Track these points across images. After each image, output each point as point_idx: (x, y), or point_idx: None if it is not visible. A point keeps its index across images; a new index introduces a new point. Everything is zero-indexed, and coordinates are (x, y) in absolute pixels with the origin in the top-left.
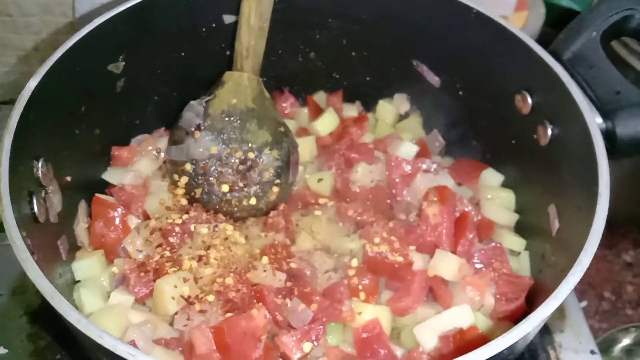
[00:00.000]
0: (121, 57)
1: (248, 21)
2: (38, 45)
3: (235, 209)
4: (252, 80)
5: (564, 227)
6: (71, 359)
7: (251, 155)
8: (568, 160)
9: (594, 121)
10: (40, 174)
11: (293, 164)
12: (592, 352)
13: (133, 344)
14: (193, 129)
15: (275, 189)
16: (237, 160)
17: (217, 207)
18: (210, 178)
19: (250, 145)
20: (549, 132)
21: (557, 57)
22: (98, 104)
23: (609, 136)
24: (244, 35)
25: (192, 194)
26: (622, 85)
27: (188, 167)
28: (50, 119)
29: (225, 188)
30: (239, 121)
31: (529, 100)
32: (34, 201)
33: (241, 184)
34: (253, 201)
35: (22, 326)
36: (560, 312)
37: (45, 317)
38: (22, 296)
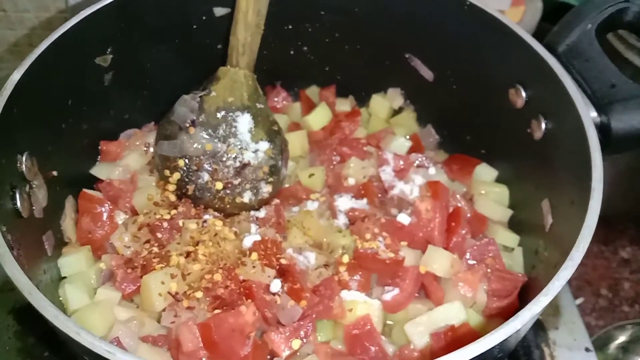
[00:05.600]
0: (109, 50)
1: (245, 17)
2: (32, 41)
3: (228, 206)
4: (247, 77)
5: (557, 223)
6: (59, 357)
7: (246, 153)
8: (562, 154)
9: (588, 115)
10: (24, 169)
11: (284, 161)
12: (587, 349)
13: (116, 341)
14: (187, 125)
15: (269, 187)
16: (231, 158)
17: (210, 204)
18: (205, 175)
19: (245, 143)
20: (543, 126)
21: (552, 50)
22: (85, 98)
23: (603, 130)
24: (241, 31)
25: (184, 190)
26: (618, 78)
27: (181, 163)
28: (36, 112)
29: (219, 185)
30: (234, 118)
31: (523, 94)
32: (17, 196)
33: (235, 182)
34: (246, 198)
35: (9, 323)
36: (555, 309)
37: (33, 314)
38: (9, 293)
